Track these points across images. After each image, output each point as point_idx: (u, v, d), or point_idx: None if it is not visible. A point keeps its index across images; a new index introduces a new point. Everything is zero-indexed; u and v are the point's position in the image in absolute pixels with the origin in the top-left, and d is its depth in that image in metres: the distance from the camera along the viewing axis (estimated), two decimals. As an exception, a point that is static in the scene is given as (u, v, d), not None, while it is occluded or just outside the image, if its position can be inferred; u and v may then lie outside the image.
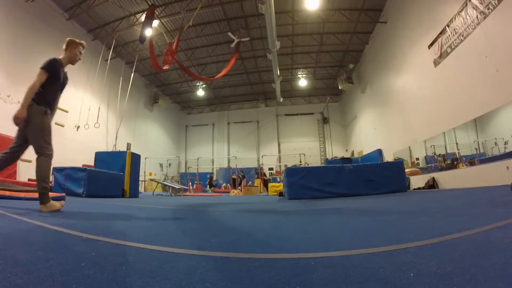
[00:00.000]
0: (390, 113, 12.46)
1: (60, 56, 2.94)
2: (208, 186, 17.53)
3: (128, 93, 13.76)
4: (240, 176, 16.67)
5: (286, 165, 15.19)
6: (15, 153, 2.78)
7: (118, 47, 14.06)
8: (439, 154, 8.99)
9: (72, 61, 3.01)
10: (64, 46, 2.97)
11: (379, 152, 13.58)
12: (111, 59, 13.20)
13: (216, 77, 13.72)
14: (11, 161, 2.81)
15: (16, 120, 2.57)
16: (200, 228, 2.03)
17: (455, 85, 7.53)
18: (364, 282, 0.75)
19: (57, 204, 2.74)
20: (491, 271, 0.77)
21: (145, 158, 15.88)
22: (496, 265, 0.82)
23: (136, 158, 9.02)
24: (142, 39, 10.36)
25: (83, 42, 3.07)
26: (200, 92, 20.85)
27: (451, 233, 1.31)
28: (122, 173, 8.18)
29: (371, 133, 15.17)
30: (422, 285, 0.71)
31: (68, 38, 3.01)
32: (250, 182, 16.51)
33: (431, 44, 8.45)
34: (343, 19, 12.78)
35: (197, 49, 15.54)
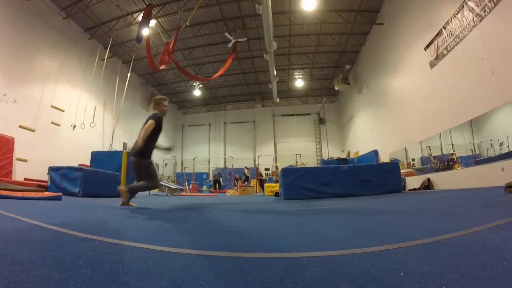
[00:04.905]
0: (386, 114, 12.52)
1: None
2: (212, 186, 17.35)
3: (124, 93, 13.68)
4: (237, 176, 16.70)
5: (277, 166, 15.18)
6: None
7: (115, 46, 13.97)
8: (435, 156, 9.06)
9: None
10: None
11: (375, 153, 13.63)
12: (107, 58, 13.09)
13: (213, 77, 13.68)
14: None
15: None
16: (195, 228, 2.04)
17: (451, 87, 7.58)
18: (355, 280, 0.77)
19: None
20: (480, 271, 0.79)
21: (142, 158, 15.76)
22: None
23: (132, 157, 8.96)
24: (139, 38, 10.30)
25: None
26: (197, 92, 20.78)
27: (442, 233, 1.33)
28: (118, 173, 8.14)
29: (367, 134, 15.22)
30: (411, 284, 0.73)
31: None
32: (246, 183, 16.53)
33: (427, 46, 8.50)
34: (340, 20, 12.81)
35: (194, 49, 15.50)
